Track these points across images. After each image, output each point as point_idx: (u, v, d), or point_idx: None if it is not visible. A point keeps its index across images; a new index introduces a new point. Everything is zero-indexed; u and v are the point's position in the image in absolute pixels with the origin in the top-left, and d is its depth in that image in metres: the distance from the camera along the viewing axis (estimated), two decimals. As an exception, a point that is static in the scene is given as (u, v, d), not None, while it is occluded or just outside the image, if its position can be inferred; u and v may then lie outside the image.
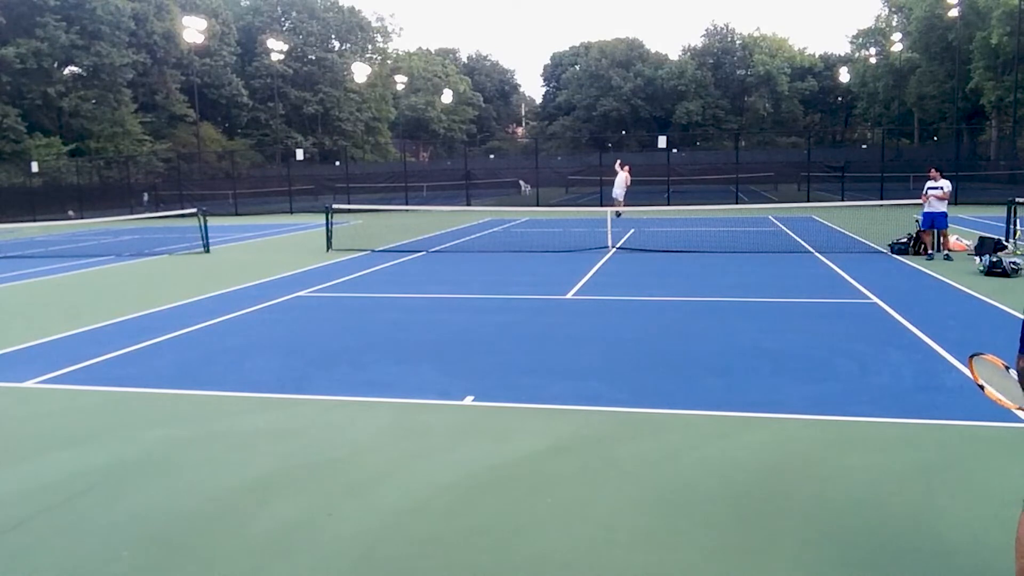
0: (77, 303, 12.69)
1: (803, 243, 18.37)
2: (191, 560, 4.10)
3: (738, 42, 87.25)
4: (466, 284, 13.56)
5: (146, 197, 43.65)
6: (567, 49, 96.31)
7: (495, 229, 25.17)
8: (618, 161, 29.51)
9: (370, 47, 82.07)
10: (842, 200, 32.08)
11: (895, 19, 71.53)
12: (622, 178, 28.12)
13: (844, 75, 78.48)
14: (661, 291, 12.31)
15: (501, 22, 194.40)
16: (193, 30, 51.27)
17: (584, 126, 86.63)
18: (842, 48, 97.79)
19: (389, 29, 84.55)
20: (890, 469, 5.02)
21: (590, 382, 7.16)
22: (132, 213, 35.21)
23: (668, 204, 33.96)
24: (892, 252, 16.05)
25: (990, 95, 52.63)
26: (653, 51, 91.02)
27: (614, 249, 18.01)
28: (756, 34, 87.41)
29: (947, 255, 15.23)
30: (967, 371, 6.91)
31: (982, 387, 3.36)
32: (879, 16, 74.91)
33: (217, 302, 12.07)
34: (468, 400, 6.68)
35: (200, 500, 4.83)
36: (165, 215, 31.84)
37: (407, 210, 34.16)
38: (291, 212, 39.34)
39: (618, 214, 25.88)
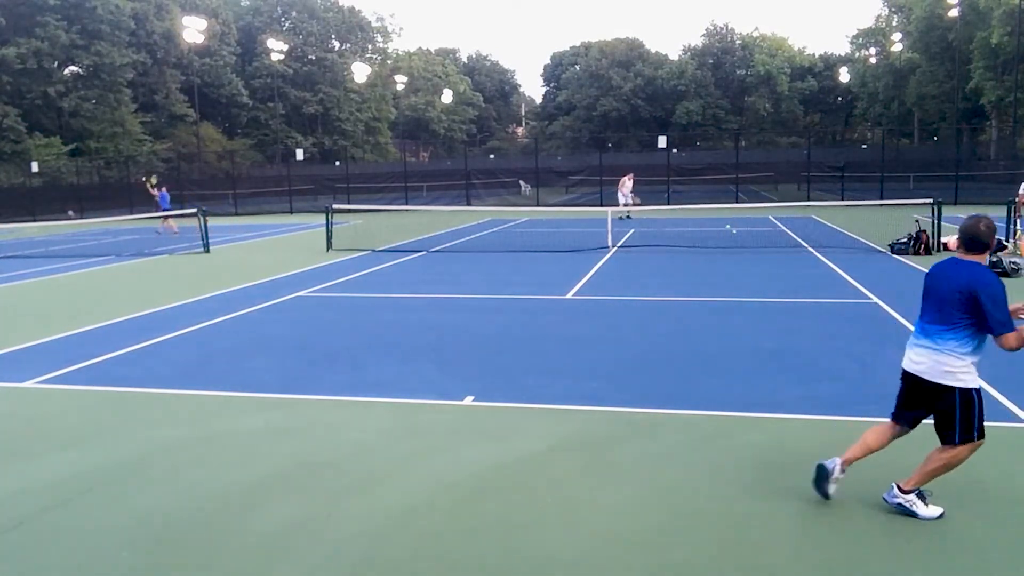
0: (77, 303, 12.69)
1: (803, 243, 18.36)
2: (191, 560, 4.10)
3: (738, 42, 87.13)
4: (466, 284, 13.56)
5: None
6: (567, 49, 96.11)
7: (495, 229, 25.17)
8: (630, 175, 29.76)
9: (370, 47, 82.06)
10: (842, 200, 32.08)
11: (895, 19, 71.56)
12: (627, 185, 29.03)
13: (844, 75, 78.45)
14: (661, 291, 12.31)
15: (501, 22, 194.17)
16: (193, 30, 51.24)
17: (584, 126, 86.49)
18: (842, 48, 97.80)
19: (389, 29, 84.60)
20: (890, 469, 5.02)
21: (590, 382, 7.15)
22: (132, 213, 35.15)
23: (668, 204, 33.95)
24: (892, 252, 16.05)
25: (990, 95, 52.63)
26: (653, 51, 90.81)
27: (614, 249, 18.01)
28: (756, 34, 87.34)
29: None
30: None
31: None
32: (879, 16, 75.02)
33: (217, 302, 12.07)
34: (468, 400, 6.68)
35: (200, 500, 4.83)
36: (165, 215, 31.76)
37: (407, 210, 34.16)
38: (291, 212, 39.34)
39: (625, 216, 27.50)
